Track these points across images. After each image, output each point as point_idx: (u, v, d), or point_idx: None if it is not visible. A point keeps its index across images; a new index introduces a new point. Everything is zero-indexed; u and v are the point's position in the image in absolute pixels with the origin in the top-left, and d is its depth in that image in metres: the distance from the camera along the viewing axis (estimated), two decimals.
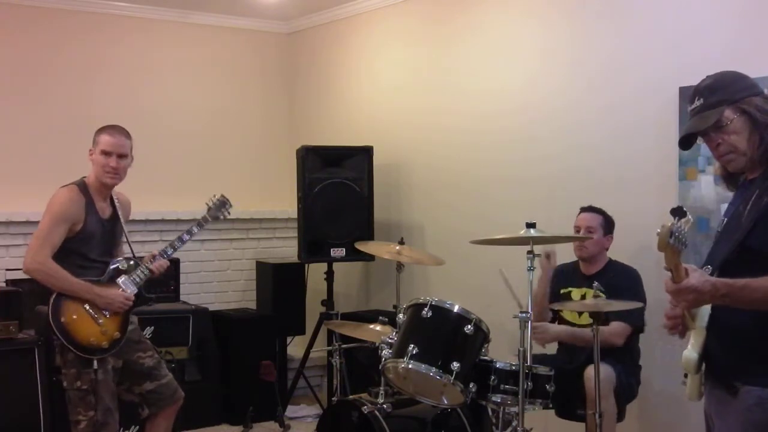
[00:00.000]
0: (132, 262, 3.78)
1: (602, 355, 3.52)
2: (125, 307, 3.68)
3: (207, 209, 4.03)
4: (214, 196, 4.07)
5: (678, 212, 2.15)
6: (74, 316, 3.57)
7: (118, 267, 3.74)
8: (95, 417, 3.53)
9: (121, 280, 3.73)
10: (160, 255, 3.81)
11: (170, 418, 3.88)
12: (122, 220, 3.81)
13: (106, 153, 3.66)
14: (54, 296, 3.57)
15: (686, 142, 2.39)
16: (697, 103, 2.34)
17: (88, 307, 3.60)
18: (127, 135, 3.76)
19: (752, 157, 2.27)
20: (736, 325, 2.22)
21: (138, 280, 3.75)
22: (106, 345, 3.61)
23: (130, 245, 3.83)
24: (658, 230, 2.04)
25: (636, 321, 3.86)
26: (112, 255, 3.79)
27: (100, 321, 3.61)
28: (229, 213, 4.08)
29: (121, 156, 3.69)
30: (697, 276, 2.13)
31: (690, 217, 2.20)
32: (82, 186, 3.70)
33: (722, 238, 2.35)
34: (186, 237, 3.90)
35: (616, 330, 3.82)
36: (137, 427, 4.61)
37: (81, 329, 3.57)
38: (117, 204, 3.80)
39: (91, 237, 3.67)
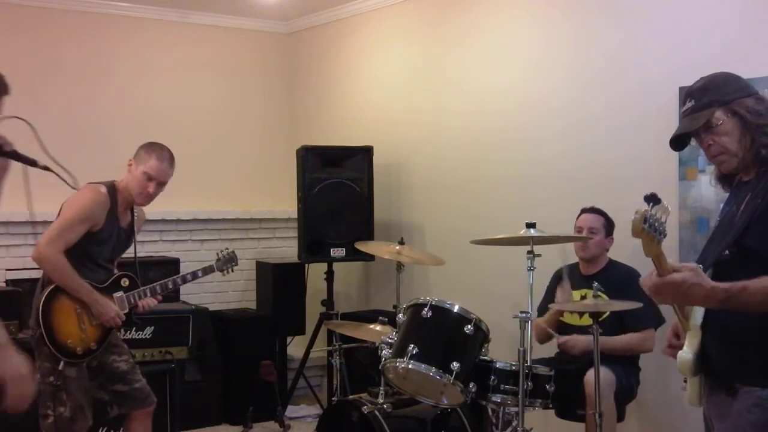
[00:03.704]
0: (133, 282, 3.75)
1: (608, 359, 3.51)
2: (114, 324, 3.63)
3: (216, 260, 4.11)
4: (226, 249, 4.17)
5: (651, 199, 2.08)
6: (62, 313, 3.54)
7: (120, 282, 3.71)
8: (64, 413, 3.46)
9: (117, 295, 3.69)
10: (161, 287, 3.79)
11: (146, 422, 3.79)
12: (136, 232, 3.79)
13: (148, 176, 3.63)
14: (53, 287, 3.53)
15: (678, 143, 2.39)
16: (689, 104, 2.34)
17: (78, 309, 3.57)
18: (173, 163, 3.73)
19: (744, 158, 2.27)
20: (734, 324, 2.21)
21: (132, 301, 3.72)
22: (80, 351, 3.55)
23: (136, 261, 3.81)
24: (633, 217, 1.99)
25: (657, 321, 3.88)
26: (114, 261, 3.78)
27: (84, 326, 3.57)
28: (232, 270, 4.17)
29: (161, 184, 3.69)
30: (683, 275, 2.06)
31: (666, 205, 2.11)
32: (111, 190, 3.64)
33: (715, 238, 2.35)
34: (189, 278, 3.95)
35: (647, 337, 3.86)
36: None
37: (63, 327, 3.52)
38: (136, 215, 3.79)
39: (104, 241, 3.64)
